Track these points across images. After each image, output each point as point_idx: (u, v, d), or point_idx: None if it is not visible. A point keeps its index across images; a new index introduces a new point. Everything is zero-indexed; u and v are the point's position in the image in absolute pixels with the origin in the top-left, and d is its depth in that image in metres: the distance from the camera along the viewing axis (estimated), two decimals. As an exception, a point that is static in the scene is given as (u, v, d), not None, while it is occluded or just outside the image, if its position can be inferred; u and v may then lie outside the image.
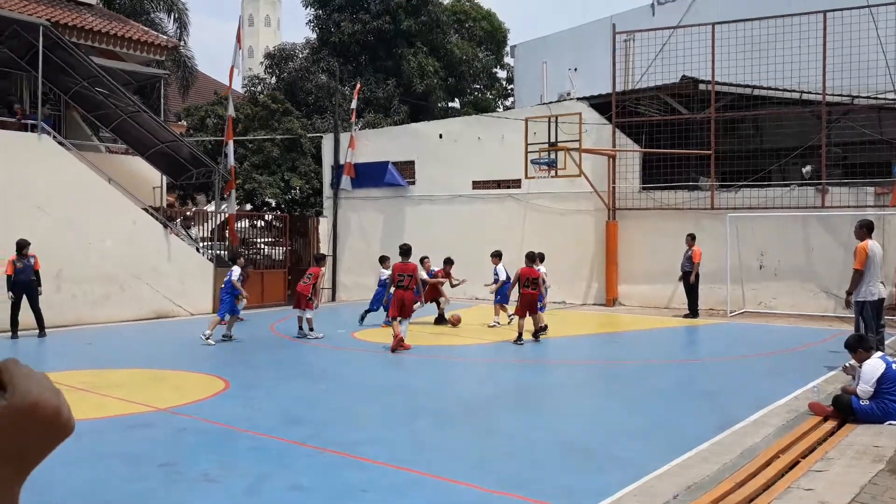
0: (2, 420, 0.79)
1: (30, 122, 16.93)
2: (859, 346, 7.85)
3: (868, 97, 17.62)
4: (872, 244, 10.51)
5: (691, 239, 17.12)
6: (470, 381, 10.60)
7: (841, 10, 17.15)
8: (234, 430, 7.34)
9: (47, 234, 15.04)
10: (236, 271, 13.62)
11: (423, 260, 15.62)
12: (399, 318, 12.31)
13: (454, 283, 15.93)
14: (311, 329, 13.68)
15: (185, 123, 28.44)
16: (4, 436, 0.79)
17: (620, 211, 19.57)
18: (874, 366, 7.40)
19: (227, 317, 13.49)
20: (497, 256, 15.58)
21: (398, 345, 12.14)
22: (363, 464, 6.24)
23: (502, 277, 15.21)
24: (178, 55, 28.87)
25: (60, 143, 16.70)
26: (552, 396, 9.51)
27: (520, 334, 13.01)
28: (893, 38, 16.94)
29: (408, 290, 12.35)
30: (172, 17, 30.40)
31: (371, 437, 7.16)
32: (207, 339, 12.88)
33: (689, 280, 16.96)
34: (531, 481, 5.72)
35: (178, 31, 30.36)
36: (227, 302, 13.45)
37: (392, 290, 13.01)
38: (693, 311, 17.03)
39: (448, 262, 16.01)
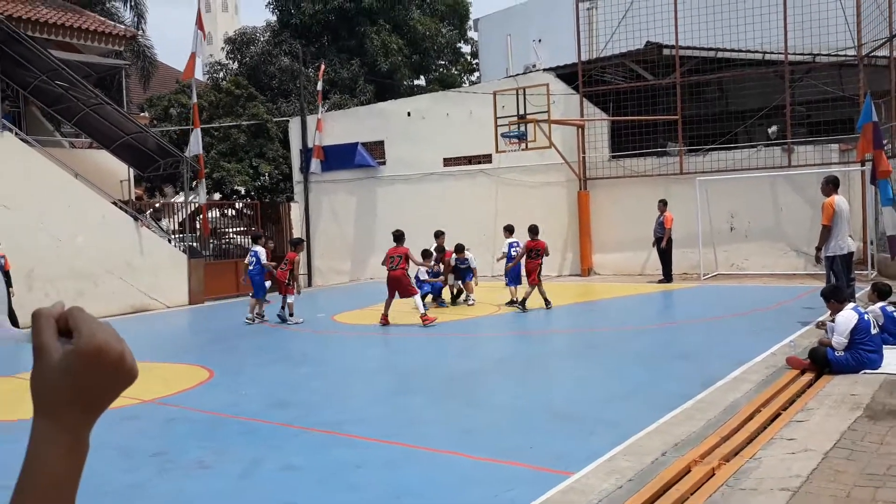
0: (70, 364, 0.82)
1: (-11, 119, 16.57)
2: (833, 297, 8.05)
3: (829, 55, 17.85)
4: (839, 199, 10.70)
5: (663, 205, 17.29)
6: (453, 356, 10.67)
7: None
8: (222, 416, 7.35)
9: (16, 233, 14.78)
10: (263, 253, 13.88)
11: (438, 235, 15.62)
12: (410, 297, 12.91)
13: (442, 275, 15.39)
14: (292, 314, 13.66)
15: (147, 115, 28.00)
16: (73, 380, 0.82)
17: (591, 181, 19.69)
18: (847, 318, 7.58)
19: (254, 300, 13.92)
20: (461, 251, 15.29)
21: (423, 319, 12.54)
22: (354, 441, 6.29)
23: (473, 265, 15.18)
24: (136, 45, 28.37)
25: (23, 140, 16.39)
26: (535, 366, 9.61)
27: (545, 300, 13.71)
28: (851, -4, 17.14)
29: (398, 269, 12.77)
30: (129, 5, 29.82)
31: (359, 415, 7.21)
32: (252, 321, 13.71)
33: (661, 245, 17.17)
34: (522, 448, 5.81)
35: (136, 20, 29.81)
36: (258, 283, 13.84)
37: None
38: (667, 277, 17.25)
39: (458, 249, 15.13)
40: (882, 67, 17.11)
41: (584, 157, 19.55)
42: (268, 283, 14.21)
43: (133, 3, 29.74)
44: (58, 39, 19.73)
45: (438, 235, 15.69)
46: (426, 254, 14.55)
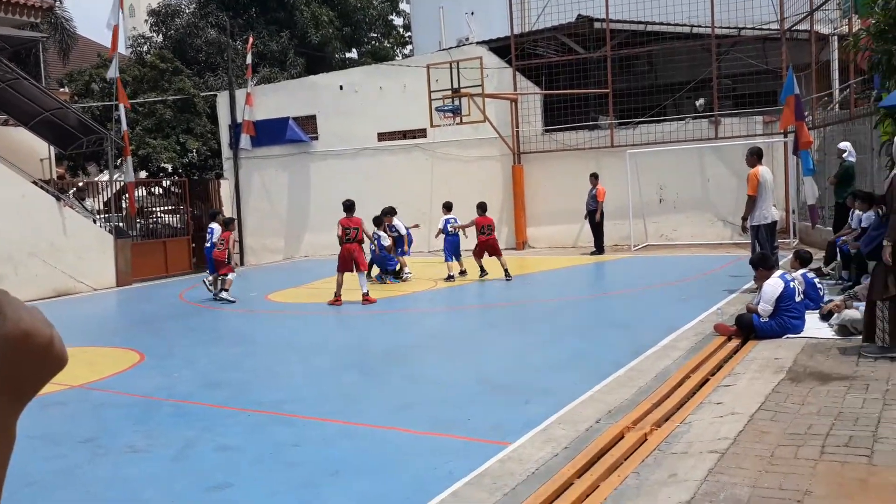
0: None
1: None
2: (761, 265, 8.32)
3: (753, 28, 18.29)
4: (763, 170, 11.03)
5: (595, 178, 17.54)
6: (390, 332, 10.65)
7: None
8: (154, 399, 7.19)
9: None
10: (218, 230, 13.86)
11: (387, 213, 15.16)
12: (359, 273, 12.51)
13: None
14: (226, 290, 13.41)
15: (67, 90, 26.86)
16: None
17: (525, 154, 19.82)
18: (774, 285, 7.83)
19: (212, 276, 13.93)
20: (389, 214, 15.16)
21: (364, 298, 12.20)
22: (291, 420, 6.24)
23: (403, 232, 15.07)
24: (54, 17, 27.15)
25: (-68, 117, 15.58)
26: (472, 339, 9.67)
27: (482, 270, 14.26)
28: (774, -29, 17.56)
29: (355, 242, 12.41)
30: (43, -25, 28.40)
31: (295, 394, 7.15)
32: (210, 287, 13.94)
33: (595, 218, 17.44)
34: (460, 421, 5.85)
35: (52, -10, 28.42)
36: (212, 260, 13.92)
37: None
38: (599, 248, 17.56)
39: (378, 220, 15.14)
40: (803, 41, 17.61)
41: (517, 131, 19.65)
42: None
43: (48, -27, 28.34)
44: (-33, 11, 18.73)
45: (386, 214, 15.25)
46: (377, 221, 14.70)
